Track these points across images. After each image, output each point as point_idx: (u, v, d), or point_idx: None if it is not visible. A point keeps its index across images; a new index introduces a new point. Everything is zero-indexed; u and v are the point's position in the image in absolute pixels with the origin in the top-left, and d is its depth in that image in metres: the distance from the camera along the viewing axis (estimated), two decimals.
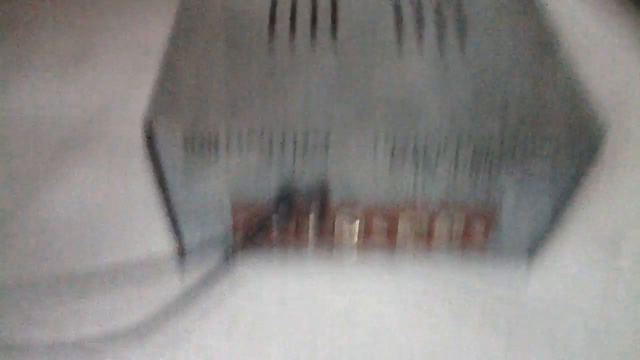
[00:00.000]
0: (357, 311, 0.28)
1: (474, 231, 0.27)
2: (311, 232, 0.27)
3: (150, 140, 0.23)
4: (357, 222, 0.26)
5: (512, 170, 0.24)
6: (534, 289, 0.29)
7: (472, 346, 0.27)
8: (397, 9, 0.28)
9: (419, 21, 0.27)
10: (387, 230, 0.27)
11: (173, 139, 0.23)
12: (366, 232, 0.27)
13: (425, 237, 0.27)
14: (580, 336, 0.27)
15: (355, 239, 0.27)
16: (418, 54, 0.25)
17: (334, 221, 0.26)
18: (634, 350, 0.27)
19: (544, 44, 0.26)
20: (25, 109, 0.39)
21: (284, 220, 0.25)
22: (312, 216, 0.26)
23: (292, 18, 0.27)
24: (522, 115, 0.23)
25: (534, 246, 0.28)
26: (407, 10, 0.28)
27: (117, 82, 0.41)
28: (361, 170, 0.24)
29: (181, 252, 0.28)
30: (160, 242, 0.30)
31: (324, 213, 0.26)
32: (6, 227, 0.33)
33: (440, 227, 0.27)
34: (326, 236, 0.27)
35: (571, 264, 0.30)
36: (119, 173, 0.34)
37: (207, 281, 0.24)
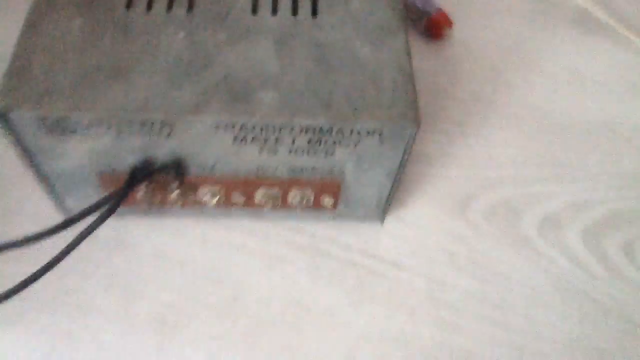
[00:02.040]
0: (222, 265, 0.30)
1: (323, 202, 0.29)
2: (174, 200, 0.28)
3: (5, 120, 0.23)
4: (217, 197, 0.28)
5: (344, 153, 0.25)
6: (384, 245, 0.32)
7: (324, 294, 0.30)
8: None
9: None
10: (245, 199, 0.29)
11: (26, 121, 0.23)
12: (226, 201, 0.29)
13: (281, 204, 0.29)
14: (422, 290, 0.30)
15: (216, 205, 0.29)
16: (267, 31, 0.26)
17: (196, 191, 0.28)
18: (464, 302, 0.30)
19: (388, 29, 0.27)
20: None
21: (146, 189, 0.27)
22: (173, 187, 0.27)
23: None
24: (349, 106, 0.24)
25: (381, 211, 0.30)
26: None
27: None
28: (209, 152, 0.25)
29: (62, 212, 0.29)
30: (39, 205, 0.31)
31: (183, 185, 0.27)
32: None
33: (293, 197, 0.28)
34: (190, 203, 0.29)
35: (421, 222, 0.33)
36: None
37: (82, 238, 0.24)
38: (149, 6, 0.26)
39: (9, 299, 0.23)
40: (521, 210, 0.34)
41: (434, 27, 0.41)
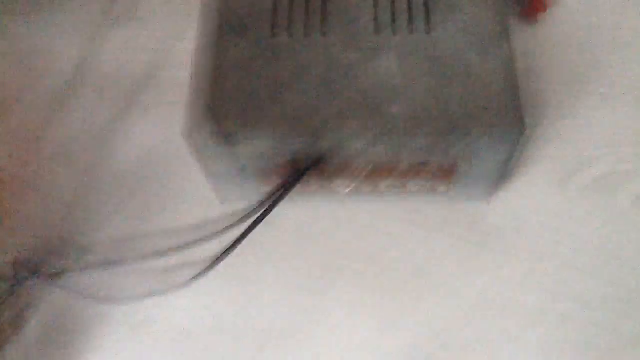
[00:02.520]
0: (354, 241, 0.36)
1: (438, 188, 0.34)
2: (316, 189, 0.34)
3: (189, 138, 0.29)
4: (350, 188, 0.34)
5: (461, 151, 0.29)
6: (491, 221, 0.36)
7: (440, 266, 0.35)
8: (376, 3, 0.32)
9: (393, 14, 0.31)
10: (372, 188, 0.34)
11: (204, 137, 0.29)
12: (357, 190, 0.34)
13: (401, 191, 0.34)
14: (526, 260, 0.35)
15: (348, 193, 0.34)
16: (389, 49, 0.30)
17: (332, 183, 0.33)
18: (563, 272, 0.34)
19: (494, 39, 0.30)
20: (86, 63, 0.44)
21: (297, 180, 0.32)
22: (316, 179, 0.33)
23: (290, 16, 0.31)
24: (464, 116, 0.28)
25: (488, 194, 0.35)
26: (384, 4, 0.32)
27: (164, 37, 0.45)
28: (348, 151, 0.30)
29: (221, 200, 0.36)
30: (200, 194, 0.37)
31: (325, 179, 0.33)
32: (85, 180, 0.39)
33: (412, 186, 0.33)
34: (327, 191, 0.34)
35: (524, 199, 0.37)
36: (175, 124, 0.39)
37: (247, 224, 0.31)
38: (290, 33, 0.31)
39: (215, 266, 0.31)
40: (616, 187, 0.37)
41: (530, 11, 0.43)
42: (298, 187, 0.32)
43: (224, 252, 0.31)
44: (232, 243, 0.31)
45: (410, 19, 0.31)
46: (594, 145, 0.39)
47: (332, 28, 0.31)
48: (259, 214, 0.30)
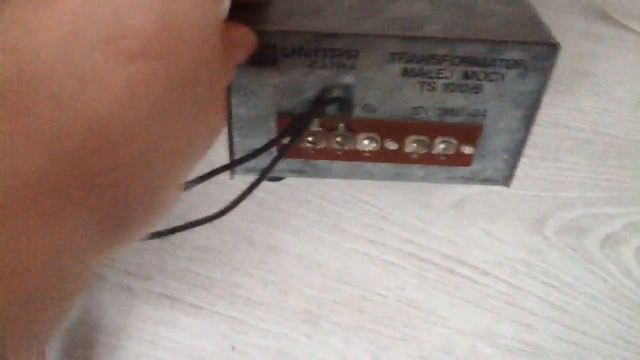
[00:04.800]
0: (353, 266, 0.38)
1: (463, 150, 0.34)
2: (336, 146, 0.33)
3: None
4: (374, 144, 0.33)
5: (490, 89, 0.31)
6: (475, 255, 0.39)
7: (429, 294, 0.38)
8: None
9: None
10: (397, 147, 0.33)
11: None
12: (381, 149, 0.34)
13: (427, 157, 0.34)
14: (504, 294, 0.39)
15: (370, 154, 0.34)
16: None
17: (356, 138, 0.33)
18: (537, 305, 0.38)
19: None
20: None
21: (318, 118, 0.31)
22: (340, 126, 0.32)
23: None
24: (497, 32, 0.29)
25: (509, 169, 0.35)
26: None
27: None
28: (378, 87, 0.30)
29: (232, 159, 0.34)
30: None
31: (350, 124, 0.32)
32: None
33: (438, 145, 0.33)
34: (348, 153, 0.34)
35: (505, 237, 0.40)
36: None
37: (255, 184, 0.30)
38: None
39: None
40: (587, 229, 0.41)
41: None
42: (318, 144, 0.32)
43: (228, 207, 0.30)
44: (238, 197, 0.30)
45: None
46: (569, 187, 0.42)
47: None
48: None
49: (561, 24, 0.50)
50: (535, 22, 0.30)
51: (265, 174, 0.30)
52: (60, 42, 0.16)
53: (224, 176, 0.30)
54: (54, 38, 0.16)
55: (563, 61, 0.47)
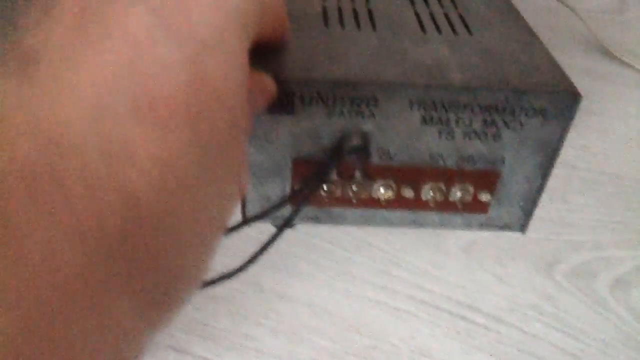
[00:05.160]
0: (364, 314, 0.38)
1: (480, 197, 0.33)
2: (352, 194, 0.32)
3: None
4: (390, 192, 0.32)
5: (509, 137, 0.30)
6: (487, 301, 0.39)
7: (441, 342, 0.37)
8: (418, 17, 0.34)
9: (434, 20, 0.34)
10: (413, 194, 0.33)
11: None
12: (397, 197, 0.33)
13: (444, 200, 0.33)
14: (516, 340, 0.38)
15: (386, 202, 0.33)
16: (438, 40, 0.32)
17: (373, 186, 0.32)
18: (549, 351, 0.37)
19: (530, 40, 0.33)
20: None
21: (336, 168, 0.31)
22: (357, 173, 0.32)
23: (340, 14, 0.33)
24: (519, 81, 0.29)
25: (525, 216, 0.35)
26: (422, 9, 0.35)
27: None
28: (396, 134, 0.30)
29: (244, 211, 0.33)
30: None
31: (367, 172, 0.32)
32: None
33: (454, 193, 0.33)
34: (364, 201, 0.33)
35: (515, 281, 0.40)
36: None
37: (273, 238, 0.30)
38: (342, 26, 0.32)
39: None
40: (597, 273, 0.41)
41: None
42: (334, 193, 0.32)
43: (245, 263, 0.30)
44: (255, 252, 0.30)
45: (452, 26, 0.33)
46: (577, 230, 0.42)
47: (380, 24, 0.33)
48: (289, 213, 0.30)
49: (564, 62, 0.50)
50: (555, 69, 0.30)
51: (283, 228, 0.30)
52: (89, 115, 0.15)
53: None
54: (82, 111, 0.15)
55: None
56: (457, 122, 0.29)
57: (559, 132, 0.30)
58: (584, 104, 0.48)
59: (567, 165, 0.45)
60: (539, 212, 0.42)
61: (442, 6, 0.36)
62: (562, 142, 0.30)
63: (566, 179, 0.44)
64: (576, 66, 0.51)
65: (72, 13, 0.16)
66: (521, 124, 0.30)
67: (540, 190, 0.33)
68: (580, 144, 0.46)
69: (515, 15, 0.35)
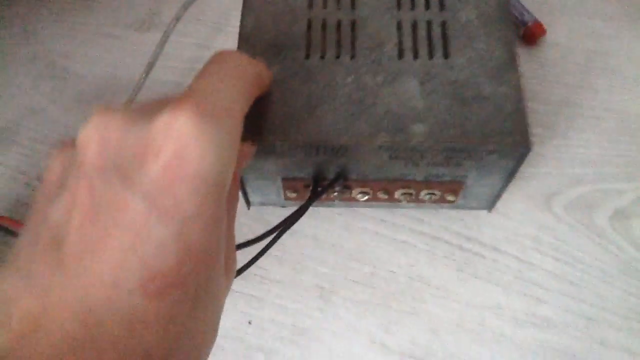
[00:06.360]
0: (365, 245, 0.40)
1: (446, 198, 0.38)
2: (335, 197, 0.38)
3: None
4: (367, 196, 0.38)
5: (470, 165, 0.33)
6: (485, 232, 0.41)
7: (439, 271, 0.39)
8: (400, 31, 0.35)
9: (414, 40, 0.35)
10: (387, 197, 0.38)
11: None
12: (372, 197, 0.38)
13: (413, 200, 0.38)
14: (514, 269, 0.40)
15: (364, 201, 0.39)
16: (412, 73, 0.34)
17: (352, 192, 0.37)
18: (547, 280, 0.39)
19: (505, 66, 0.34)
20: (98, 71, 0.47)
21: (321, 192, 0.36)
22: (337, 189, 0.37)
23: (322, 41, 0.35)
24: (479, 134, 0.31)
25: (491, 203, 0.39)
26: (407, 32, 0.35)
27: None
28: (368, 165, 0.34)
29: (247, 198, 0.40)
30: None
31: (344, 189, 0.37)
32: None
33: (423, 195, 0.37)
34: (345, 199, 0.39)
35: (514, 214, 0.41)
36: None
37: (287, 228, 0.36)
38: (322, 56, 0.34)
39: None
40: (597, 205, 0.41)
41: (529, 36, 0.47)
42: (318, 201, 0.36)
43: (250, 262, 0.35)
44: (256, 255, 0.35)
45: (430, 46, 0.35)
46: (579, 165, 0.43)
47: (359, 52, 0.34)
48: (284, 225, 0.34)
49: (571, 3, 0.50)
50: (519, 112, 0.32)
51: (280, 235, 0.36)
52: (110, 294, 0.19)
53: (240, 209, 0.32)
54: (106, 291, 0.19)
55: (574, 40, 0.48)
56: (421, 157, 0.33)
57: (515, 164, 0.33)
58: (590, 44, 0.48)
59: (570, 103, 0.45)
60: (538, 149, 0.43)
61: (428, 7, 0.36)
62: (519, 167, 0.33)
63: (568, 117, 0.45)
64: (586, 7, 0.51)
65: (87, 201, 0.20)
66: (481, 158, 0.33)
67: (504, 188, 0.37)
68: (585, 83, 0.46)
69: (503, 25, 0.35)
